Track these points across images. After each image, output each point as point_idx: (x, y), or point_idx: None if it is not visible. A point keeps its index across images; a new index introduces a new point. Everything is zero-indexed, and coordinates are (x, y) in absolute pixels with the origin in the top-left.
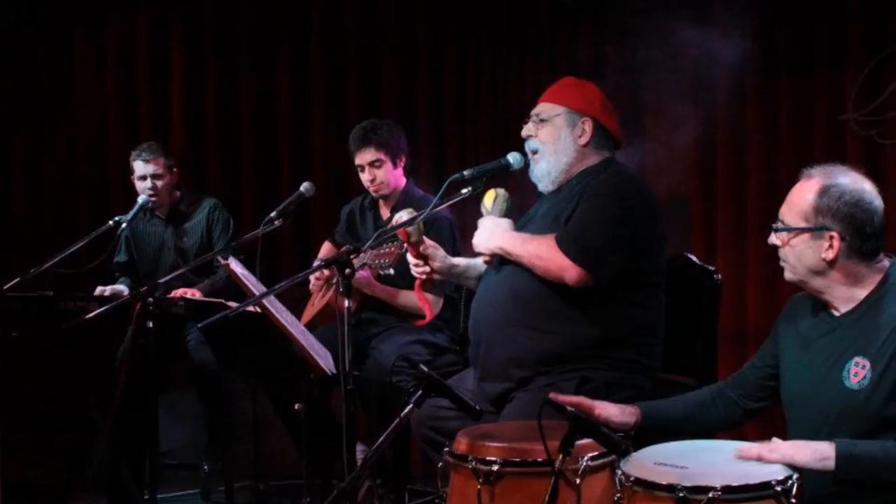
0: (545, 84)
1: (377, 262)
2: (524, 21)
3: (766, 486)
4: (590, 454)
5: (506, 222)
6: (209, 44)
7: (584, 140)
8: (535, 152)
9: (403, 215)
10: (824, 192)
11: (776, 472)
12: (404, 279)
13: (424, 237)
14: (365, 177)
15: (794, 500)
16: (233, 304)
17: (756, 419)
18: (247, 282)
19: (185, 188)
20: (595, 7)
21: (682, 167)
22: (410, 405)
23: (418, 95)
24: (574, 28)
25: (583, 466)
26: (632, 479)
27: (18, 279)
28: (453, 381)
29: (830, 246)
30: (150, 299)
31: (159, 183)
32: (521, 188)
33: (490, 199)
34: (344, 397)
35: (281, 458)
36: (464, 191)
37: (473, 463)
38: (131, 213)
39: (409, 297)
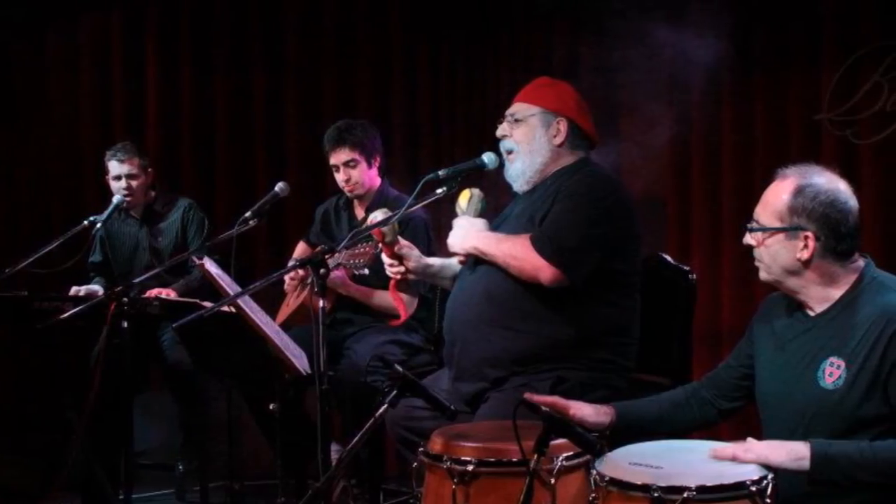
0: (520, 84)
1: (352, 262)
2: (499, 21)
3: (740, 486)
4: (564, 454)
5: (480, 222)
6: (184, 43)
7: (558, 140)
8: (509, 152)
9: (378, 215)
10: (799, 191)
11: (751, 472)
12: (379, 279)
13: (399, 237)
14: (340, 177)
15: (768, 500)
16: (207, 304)
17: (731, 419)
18: (221, 282)
19: (159, 188)
20: (570, 7)
21: (657, 167)
22: (385, 405)
23: (393, 95)
24: (549, 28)
25: (558, 466)
26: (606, 479)
27: None
28: (428, 381)
29: (805, 246)
30: (125, 299)
31: (134, 183)
32: (496, 188)
33: (465, 199)
34: (319, 397)
35: (256, 458)
36: (438, 191)
37: (448, 463)
38: (106, 213)
39: (384, 297)
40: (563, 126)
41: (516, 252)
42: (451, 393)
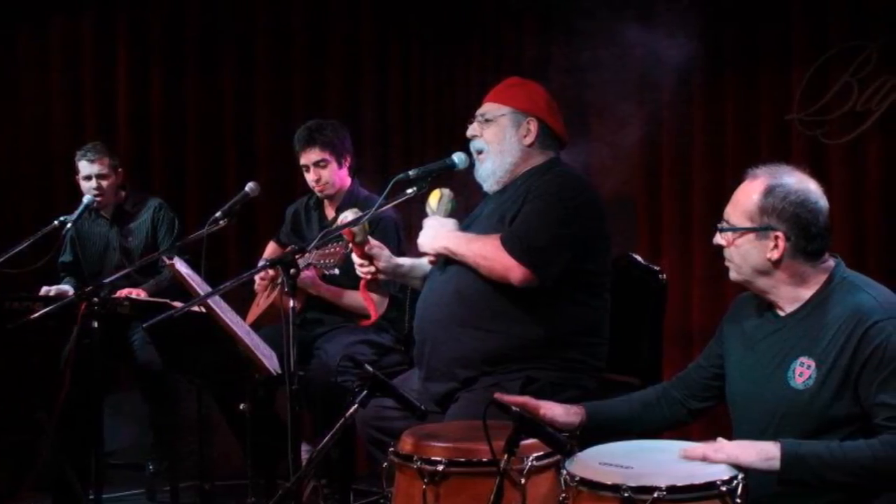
0: (490, 84)
1: (322, 261)
2: (469, 21)
3: (711, 486)
4: (535, 454)
5: (451, 222)
6: (154, 44)
7: (529, 140)
8: (480, 152)
9: (348, 215)
10: (769, 191)
11: (721, 472)
12: (349, 279)
13: (369, 237)
14: (310, 177)
15: (739, 500)
16: (178, 303)
17: (701, 419)
18: (192, 282)
19: (130, 188)
20: (540, 7)
21: (628, 167)
22: (355, 405)
23: (363, 95)
24: (519, 28)
25: (528, 466)
26: (577, 479)
27: None
28: (398, 381)
29: (775, 246)
30: (95, 299)
31: (104, 183)
32: (466, 188)
33: (435, 199)
34: (289, 397)
35: (226, 459)
36: (409, 191)
37: (418, 463)
38: (76, 213)
39: (354, 297)
40: (533, 126)
41: (486, 252)
42: (422, 393)
